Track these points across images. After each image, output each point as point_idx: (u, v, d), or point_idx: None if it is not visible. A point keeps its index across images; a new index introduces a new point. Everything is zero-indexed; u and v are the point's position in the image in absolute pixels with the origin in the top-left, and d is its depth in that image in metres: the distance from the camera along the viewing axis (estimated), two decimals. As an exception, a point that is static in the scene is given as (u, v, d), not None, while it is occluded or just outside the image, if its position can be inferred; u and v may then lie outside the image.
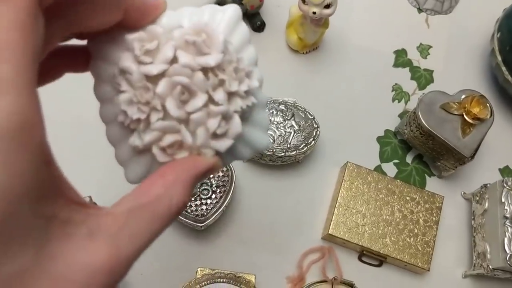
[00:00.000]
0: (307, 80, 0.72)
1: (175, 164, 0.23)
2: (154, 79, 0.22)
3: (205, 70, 0.22)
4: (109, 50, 0.24)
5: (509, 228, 0.58)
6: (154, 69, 0.22)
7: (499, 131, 0.71)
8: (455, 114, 0.63)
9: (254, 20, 0.73)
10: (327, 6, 0.62)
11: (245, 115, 0.25)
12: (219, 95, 0.23)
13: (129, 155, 0.24)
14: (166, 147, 0.23)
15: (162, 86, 0.22)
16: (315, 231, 0.63)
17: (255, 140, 0.26)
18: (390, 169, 0.68)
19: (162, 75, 0.22)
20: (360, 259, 0.63)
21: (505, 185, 0.60)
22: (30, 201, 0.17)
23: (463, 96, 0.63)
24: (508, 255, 0.56)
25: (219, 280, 0.53)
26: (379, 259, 0.62)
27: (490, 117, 0.62)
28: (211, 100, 0.23)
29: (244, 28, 0.26)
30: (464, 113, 0.62)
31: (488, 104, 0.62)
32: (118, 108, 0.23)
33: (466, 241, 0.66)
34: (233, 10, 0.25)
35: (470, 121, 0.62)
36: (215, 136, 0.23)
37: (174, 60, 0.22)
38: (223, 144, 0.23)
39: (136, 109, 0.22)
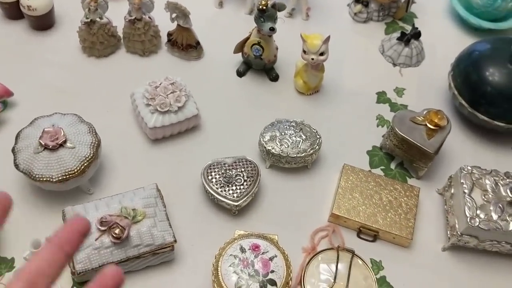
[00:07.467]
0: (311, 115, 0.95)
1: None
2: None
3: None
4: None
5: (467, 199, 0.76)
6: None
7: (456, 138, 0.93)
8: (421, 124, 0.85)
9: (270, 72, 0.99)
10: (321, 54, 0.88)
11: None
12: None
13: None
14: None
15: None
16: (322, 216, 0.82)
17: None
18: (378, 174, 0.89)
19: None
20: (358, 236, 0.81)
21: (462, 170, 0.80)
22: None
23: (425, 111, 0.86)
24: (469, 218, 0.75)
25: (251, 237, 0.72)
26: (373, 235, 0.81)
27: (448, 123, 0.84)
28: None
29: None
30: (427, 123, 0.84)
31: (444, 116, 0.85)
32: None
33: (442, 224, 0.83)
34: None
35: (432, 127, 0.83)
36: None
37: None
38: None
39: None
